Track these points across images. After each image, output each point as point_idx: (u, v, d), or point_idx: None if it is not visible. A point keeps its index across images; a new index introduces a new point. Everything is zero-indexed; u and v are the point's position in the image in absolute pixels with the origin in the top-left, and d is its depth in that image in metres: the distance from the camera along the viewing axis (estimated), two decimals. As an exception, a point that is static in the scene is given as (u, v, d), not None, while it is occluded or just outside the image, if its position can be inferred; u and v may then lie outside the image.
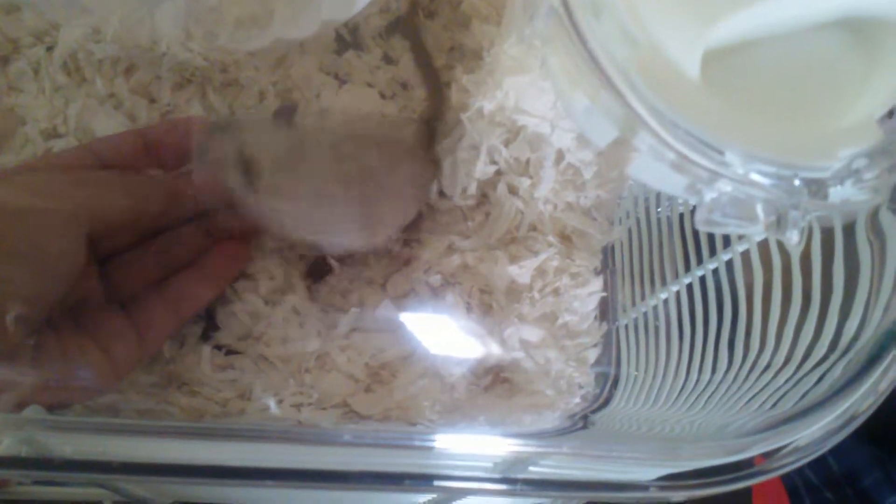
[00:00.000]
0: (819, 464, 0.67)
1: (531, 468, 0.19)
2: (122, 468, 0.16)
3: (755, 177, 0.20)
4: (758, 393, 0.28)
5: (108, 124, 0.42)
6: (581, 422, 0.33)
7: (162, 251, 0.37)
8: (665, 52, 0.21)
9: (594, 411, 0.36)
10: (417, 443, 0.18)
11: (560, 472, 0.19)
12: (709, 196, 0.21)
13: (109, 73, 0.44)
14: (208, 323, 0.38)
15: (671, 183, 0.22)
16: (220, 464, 0.17)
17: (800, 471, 0.66)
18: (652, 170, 0.22)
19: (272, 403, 0.34)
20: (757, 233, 0.22)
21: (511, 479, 0.17)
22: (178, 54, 0.44)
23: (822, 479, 0.66)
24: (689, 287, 0.32)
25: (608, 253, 0.39)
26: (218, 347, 0.37)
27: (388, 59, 0.48)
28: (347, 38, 0.48)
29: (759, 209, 0.20)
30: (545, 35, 0.23)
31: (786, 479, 0.63)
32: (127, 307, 0.34)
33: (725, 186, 0.21)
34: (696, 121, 0.20)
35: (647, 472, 0.23)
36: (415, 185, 0.39)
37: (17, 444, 0.16)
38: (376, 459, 0.20)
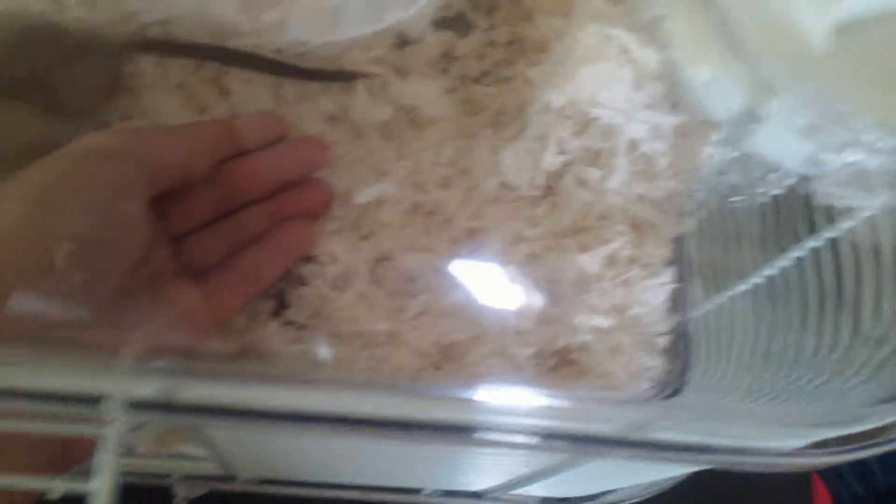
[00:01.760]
0: (865, 476, 0.66)
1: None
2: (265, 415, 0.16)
3: (884, 146, 0.20)
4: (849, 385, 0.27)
5: (180, 112, 0.43)
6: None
7: (230, 229, 0.39)
8: (798, 23, 0.21)
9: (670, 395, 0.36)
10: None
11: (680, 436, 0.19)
12: (834, 165, 0.21)
13: (177, 63, 0.45)
14: (278, 301, 0.39)
15: (792, 153, 0.22)
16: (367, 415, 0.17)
17: (847, 483, 0.66)
18: (773, 140, 0.22)
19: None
20: (873, 207, 0.22)
21: (647, 441, 0.17)
22: (247, 46, 0.44)
23: (868, 490, 0.66)
24: (772, 278, 0.32)
25: (678, 244, 0.39)
26: (289, 323, 0.38)
27: (448, 54, 0.49)
28: (408, 32, 0.49)
29: (882, 181, 0.20)
30: (672, 6, 0.24)
31: (833, 491, 0.63)
32: (198, 281, 0.36)
33: (852, 156, 0.21)
34: (828, 88, 0.20)
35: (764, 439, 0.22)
36: None
37: (158, 390, 0.16)
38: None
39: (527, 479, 0.29)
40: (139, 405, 0.16)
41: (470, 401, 0.18)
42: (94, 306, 0.30)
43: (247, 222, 0.39)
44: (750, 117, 0.23)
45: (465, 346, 0.39)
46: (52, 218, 0.30)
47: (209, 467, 0.29)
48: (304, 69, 0.44)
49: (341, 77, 0.45)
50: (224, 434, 0.24)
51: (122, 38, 0.42)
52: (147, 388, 0.16)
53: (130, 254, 0.32)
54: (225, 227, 0.39)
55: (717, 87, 0.23)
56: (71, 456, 0.29)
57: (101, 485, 0.16)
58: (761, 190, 0.32)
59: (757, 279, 0.34)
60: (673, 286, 0.39)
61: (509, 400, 0.19)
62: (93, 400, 0.16)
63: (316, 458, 0.29)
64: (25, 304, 0.27)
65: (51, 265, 0.29)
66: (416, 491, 0.42)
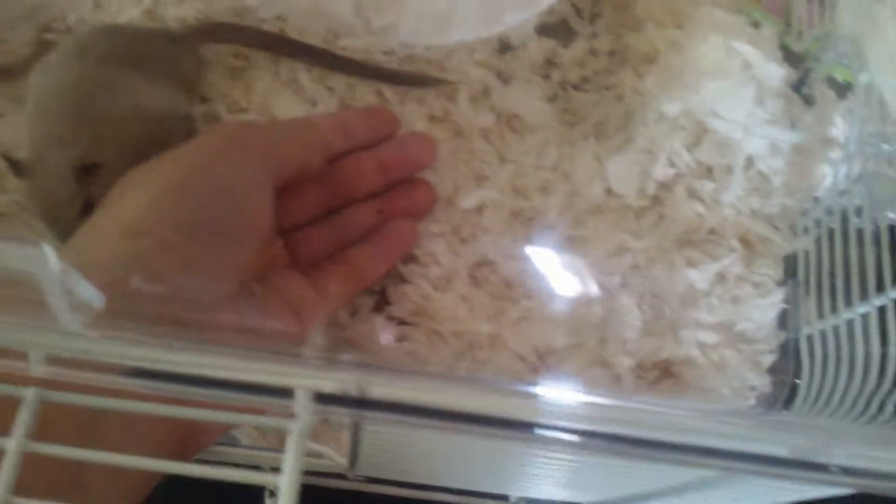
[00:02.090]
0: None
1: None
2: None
3: None
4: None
5: (289, 106, 0.44)
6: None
7: (339, 225, 0.39)
8: None
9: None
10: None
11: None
12: None
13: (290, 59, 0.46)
14: (381, 297, 0.40)
15: None
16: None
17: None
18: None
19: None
20: None
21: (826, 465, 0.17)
22: (356, 48, 0.45)
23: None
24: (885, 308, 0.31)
25: (789, 263, 0.39)
26: (391, 318, 0.38)
27: (549, 61, 0.49)
28: (511, 38, 0.49)
29: None
30: (879, 22, 0.23)
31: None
32: (308, 275, 0.36)
33: None
34: None
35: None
36: None
37: (344, 385, 0.17)
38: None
39: (645, 496, 0.29)
40: (328, 399, 0.17)
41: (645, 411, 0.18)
42: (218, 292, 0.31)
43: (355, 219, 0.40)
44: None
45: (565, 353, 0.39)
46: (185, 204, 0.31)
47: (326, 464, 0.30)
48: (382, 70, 0.44)
49: (422, 82, 0.45)
50: (375, 431, 0.24)
51: (194, 27, 0.44)
52: (334, 384, 0.17)
53: (254, 243, 0.33)
54: (334, 223, 0.39)
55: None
56: (197, 441, 0.30)
57: (288, 478, 0.16)
58: (892, 214, 0.32)
59: (869, 308, 0.33)
60: (783, 306, 0.38)
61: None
62: (282, 393, 0.17)
63: (438, 458, 0.30)
64: (152, 288, 0.28)
65: (183, 252, 0.30)
66: (504, 498, 0.42)
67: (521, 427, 0.17)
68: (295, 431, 0.17)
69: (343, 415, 0.17)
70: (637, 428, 0.18)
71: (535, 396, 0.18)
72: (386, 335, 0.38)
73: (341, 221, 0.39)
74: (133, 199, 0.31)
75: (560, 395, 0.18)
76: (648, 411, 0.19)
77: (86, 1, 0.45)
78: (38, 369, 0.18)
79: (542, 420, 0.17)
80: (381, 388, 0.16)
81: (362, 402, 0.16)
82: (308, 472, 0.31)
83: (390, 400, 0.16)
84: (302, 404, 0.16)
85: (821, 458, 0.17)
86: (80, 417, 0.25)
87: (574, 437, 0.17)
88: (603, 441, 0.17)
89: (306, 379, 0.16)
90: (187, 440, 0.29)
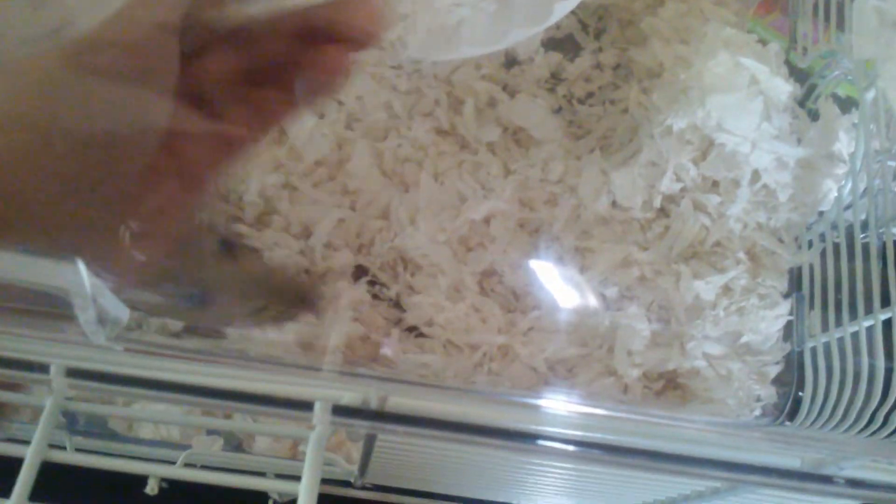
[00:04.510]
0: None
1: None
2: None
3: None
4: None
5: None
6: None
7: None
8: None
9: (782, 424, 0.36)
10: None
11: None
12: None
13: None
14: (395, 305, 0.40)
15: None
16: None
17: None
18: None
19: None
20: None
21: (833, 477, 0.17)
22: (365, 63, 0.46)
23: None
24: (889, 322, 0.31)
25: (793, 276, 0.39)
26: (408, 331, 0.39)
27: (555, 75, 0.49)
28: (517, 52, 0.49)
29: None
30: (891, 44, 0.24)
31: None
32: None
33: None
34: None
35: None
36: None
37: (362, 397, 0.17)
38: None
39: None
40: (346, 412, 0.17)
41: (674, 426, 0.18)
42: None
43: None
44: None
45: (574, 363, 0.39)
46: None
47: (335, 471, 0.30)
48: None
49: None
50: (388, 440, 0.25)
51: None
52: (353, 396, 0.17)
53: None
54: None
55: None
56: None
57: (307, 487, 0.17)
58: (894, 228, 0.32)
59: (872, 322, 0.34)
60: (788, 318, 0.38)
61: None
62: (301, 405, 0.17)
63: (449, 468, 0.30)
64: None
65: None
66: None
67: (532, 438, 0.17)
68: (313, 441, 0.17)
69: (361, 427, 0.17)
70: (647, 439, 0.18)
71: (546, 408, 0.19)
72: (397, 350, 0.38)
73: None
74: None
75: (570, 406, 0.18)
76: (657, 423, 0.19)
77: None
78: (60, 380, 0.18)
79: (553, 431, 0.18)
80: (400, 400, 0.17)
81: (380, 415, 0.17)
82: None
83: (408, 413, 0.17)
84: (320, 416, 0.17)
85: (827, 471, 0.18)
86: None
87: (585, 449, 0.18)
88: (614, 453, 0.18)
89: (326, 391, 0.17)
90: None
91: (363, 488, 0.32)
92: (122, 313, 0.17)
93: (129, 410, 0.35)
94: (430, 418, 0.17)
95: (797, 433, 0.29)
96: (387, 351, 0.36)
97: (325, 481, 0.31)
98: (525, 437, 0.17)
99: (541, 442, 0.18)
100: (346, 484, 0.31)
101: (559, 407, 0.18)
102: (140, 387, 0.17)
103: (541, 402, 0.19)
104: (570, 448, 0.18)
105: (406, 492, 0.36)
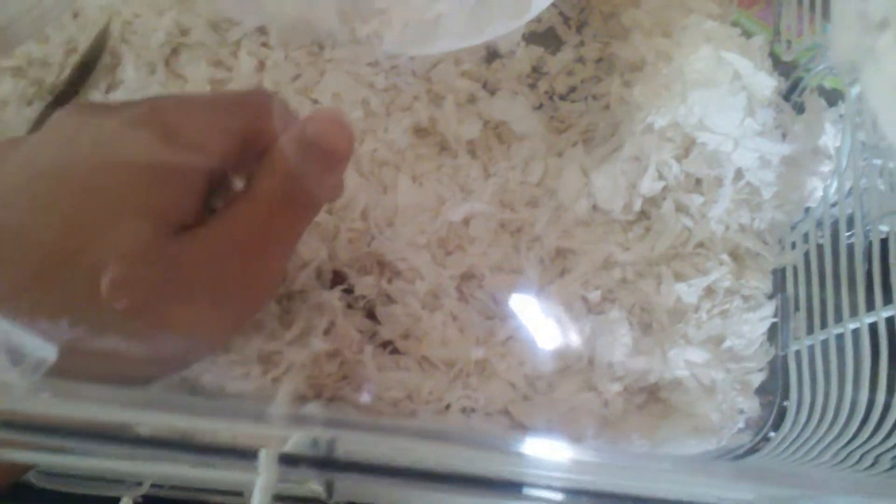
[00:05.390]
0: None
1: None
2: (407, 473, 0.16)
3: None
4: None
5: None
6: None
7: None
8: None
9: (760, 442, 0.35)
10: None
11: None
12: None
13: (274, 71, 0.45)
14: (369, 316, 0.39)
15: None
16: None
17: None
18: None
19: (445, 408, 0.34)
20: None
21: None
22: (341, 59, 0.44)
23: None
24: (892, 318, 0.31)
25: (778, 276, 0.38)
26: (383, 346, 0.38)
27: (537, 69, 0.48)
28: (498, 47, 0.48)
29: None
30: (877, 53, 0.22)
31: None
32: None
33: None
34: None
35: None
36: None
37: (305, 441, 0.16)
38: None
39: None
40: (293, 460, 0.16)
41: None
42: None
43: None
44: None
45: (554, 378, 0.38)
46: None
47: (302, 489, 0.29)
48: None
49: None
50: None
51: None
52: (297, 445, 0.16)
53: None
54: None
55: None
56: None
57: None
58: (882, 227, 0.31)
59: (857, 325, 0.33)
60: (773, 320, 0.37)
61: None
62: (246, 454, 0.16)
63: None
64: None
65: None
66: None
67: (496, 487, 0.16)
68: (258, 488, 0.16)
69: (308, 476, 0.16)
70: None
71: (513, 454, 0.18)
72: (365, 393, 0.37)
73: None
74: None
75: (536, 449, 0.17)
76: (615, 465, 0.18)
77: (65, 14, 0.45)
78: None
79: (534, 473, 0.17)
80: (351, 447, 0.16)
81: (329, 463, 0.16)
82: (283, 498, 0.30)
83: (359, 461, 0.16)
84: (265, 465, 0.16)
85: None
86: None
87: (555, 495, 0.17)
88: (587, 498, 0.17)
89: (270, 439, 0.16)
90: None
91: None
92: (48, 353, 0.16)
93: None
94: (384, 465, 0.16)
95: (762, 469, 0.28)
96: (366, 397, 0.34)
97: (296, 499, 0.30)
98: (484, 485, 0.16)
99: (522, 490, 0.17)
100: (319, 502, 0.30)
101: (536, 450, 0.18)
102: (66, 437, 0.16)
103: (513, 445, 0.18)
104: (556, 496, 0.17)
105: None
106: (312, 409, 0.20)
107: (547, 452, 0.17)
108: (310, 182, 0.28)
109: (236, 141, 0.27)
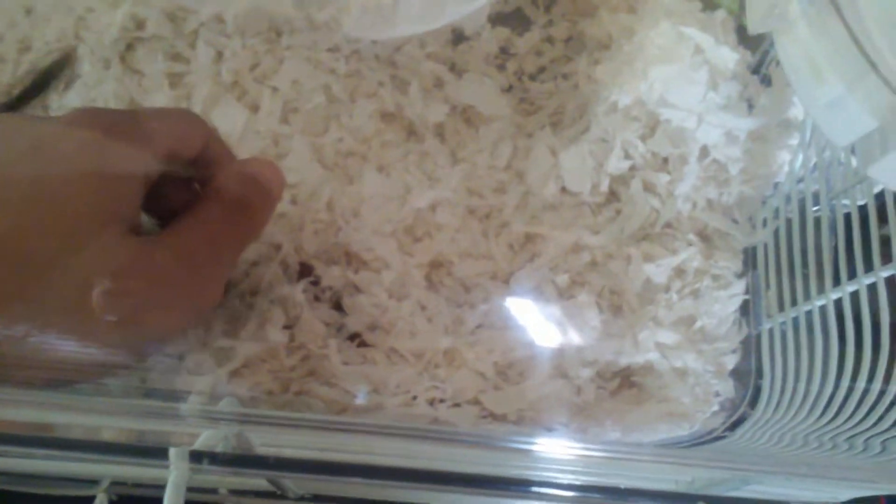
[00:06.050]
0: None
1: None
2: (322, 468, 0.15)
3: None
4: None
5: (227, 113, 0.42)
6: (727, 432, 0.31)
7: None
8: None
9: (735, 424, 0.34)
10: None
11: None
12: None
13: (232, 61, 0.44)
14: (336, 307, 0.38)
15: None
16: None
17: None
18: None
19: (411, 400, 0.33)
20: None
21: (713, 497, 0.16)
22: (300, 46, 0.43)
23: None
24: (856, 293, 0.30)
25: (749, 254, 0.37)
26: (350, 338, 0.37)
27: (505, 50, 0.47)
28: (464, 28, 0.47)
29: None
30: (789, 20, 0.22)
31: None
32: None
33: None
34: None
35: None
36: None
37: (218, 438, 0.15)
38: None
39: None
40: (203, 457, 0.15)
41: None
42: None
43: None
44: (882, 143, 0.21)
45: (523, 366, 0.37)
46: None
47: (259, 483, 0.29)
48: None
49: None
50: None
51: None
52: (211, 439, 0.15)
53: None
54: None
55: (843, 108, 0.21)
56: None
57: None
58: (845, 201, 0.30)
59: (824, 301, 0.32)
60: (744, 297, 0.36)
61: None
62: (158, 451, 0.15)
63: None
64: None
65: None
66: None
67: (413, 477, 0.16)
68: (171, 483, 0.15)
69: (220, 473, 0.16)
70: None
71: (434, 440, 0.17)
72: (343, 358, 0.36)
73: None
74: None
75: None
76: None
77: (18, 10, 0.44)
78: None
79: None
80: (258, 441, 0.15)
81: (241, 460, 0.15)
82: (238, 492, 0.30)
83: (272, 456, 0.15)
84: (176, 463, 0.15)
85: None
86: None
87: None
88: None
89: (180, 437, 0.15)
90: None
91: (301, 500, 0.30)
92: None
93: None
94: (301, 461, 0.15)
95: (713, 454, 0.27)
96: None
97: (260, 494, 0.29)
98: (396, 475, 0.16)
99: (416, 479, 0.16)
100: (279, 496, 0.30)
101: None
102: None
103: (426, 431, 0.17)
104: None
105: (344, 500, 0.34)
106: (227, 405, 0.19)
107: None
108: (247, 210, 0.32)
109: (163, 146, 0.30)
